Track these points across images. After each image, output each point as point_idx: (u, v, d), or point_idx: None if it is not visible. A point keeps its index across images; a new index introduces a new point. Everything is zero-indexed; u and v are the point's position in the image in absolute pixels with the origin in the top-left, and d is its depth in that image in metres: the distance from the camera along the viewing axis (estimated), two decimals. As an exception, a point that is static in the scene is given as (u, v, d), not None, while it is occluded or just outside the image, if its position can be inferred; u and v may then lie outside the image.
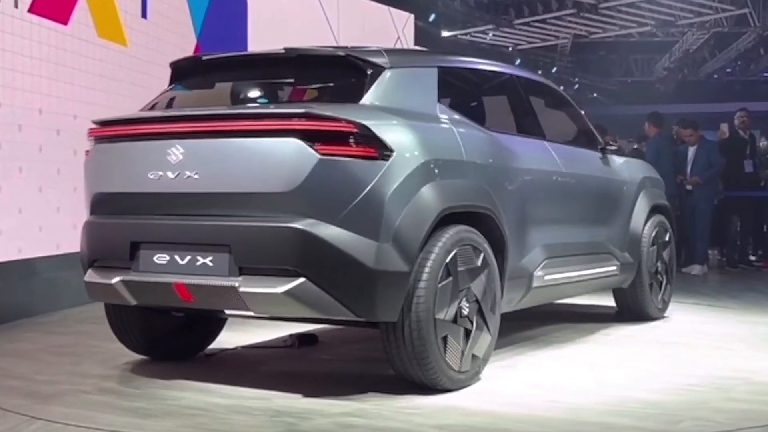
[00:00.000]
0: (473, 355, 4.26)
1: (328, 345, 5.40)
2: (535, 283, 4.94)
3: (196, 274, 4.00)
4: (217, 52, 4.81)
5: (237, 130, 3.98)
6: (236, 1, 9.03)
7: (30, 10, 6.32)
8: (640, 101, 21.88)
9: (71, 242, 6.37)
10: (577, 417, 3.79)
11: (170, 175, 4.06)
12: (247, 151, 3.93)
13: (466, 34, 18.25)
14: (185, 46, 8.15)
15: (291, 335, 5.37)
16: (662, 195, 6.71)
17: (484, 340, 4.34)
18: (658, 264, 6.45)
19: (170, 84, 4.82)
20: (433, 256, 4.04)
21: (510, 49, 19.86)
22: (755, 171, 11.03)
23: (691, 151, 10.42)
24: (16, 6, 6.18)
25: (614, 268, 5.91)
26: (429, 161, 4.10)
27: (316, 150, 3.81)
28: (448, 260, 4.10)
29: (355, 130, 3.86)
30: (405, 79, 4.41)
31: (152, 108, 4.65)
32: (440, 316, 4.06)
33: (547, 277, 5.05)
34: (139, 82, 7.46)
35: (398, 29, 11.98)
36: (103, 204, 4.39)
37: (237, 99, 4.61)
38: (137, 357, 4.83)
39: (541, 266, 4.99)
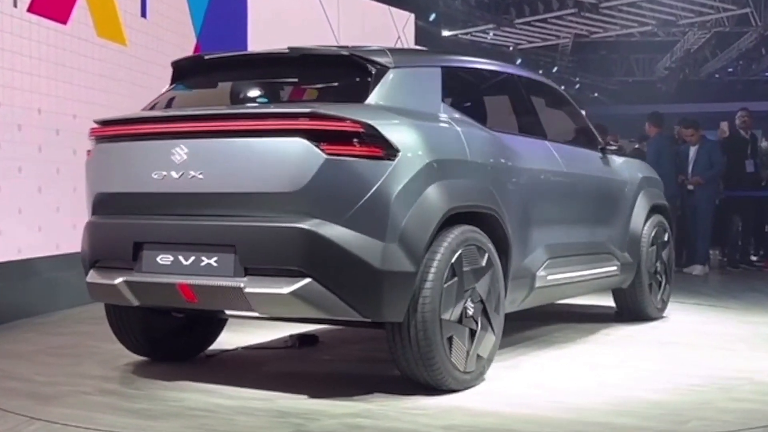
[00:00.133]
0: (478, 356, 4.26)
1: (329, 345, 5.38)
2: (537, 284, 4.94)
3: (201, 275, 3.98)
4: (219, 51, 4.78)
5: (242, 130, 3.96)
6: (236, 1, 9.01)
7: (29, 10, 6.30)
8: (641, 101, 21.87)
9: (71, 242, 6.38)
10: (582, 417, 3.79)
11: (174, 175, 4.04)
12: (253, 151, 3.91)
13: (466, 34, 18.25)
14: (185, 45, 8.13)
15: (291, 336, 5.36)
16: (661, 195, 6.72)
17: (489, 341, 4.34)
18: (658, 264, 6.45)
19: (171, 83, 4.80)
20: (438, 256, 4.03)
21: (511, 48, 19.86)
22: (756, 171, 11.00)
23: (693, 150, 10.40)
24: (15, 5, 6.16)
25: (615, 268, 5.91)
26: (434, 161, 4.10)
27: (322, 150, 3.80)
28: (453, 260, 4.09)
29: (361, 130, 3.85)
30: (409, 79, 4.40)
31: (153, 108, 4.63)
32: (446, 316, 4.05)
33: (549, 278, 5.05)
34: (139, 82, 7.45)
35: (398, 29, 11.96)
36: (105, 204, 4.37)
37: (240, 99, 4.59)
38: (137, 358, 4.81)
39: (543, 266, 4.99)
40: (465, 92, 5.01)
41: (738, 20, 17.23)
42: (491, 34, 18.59)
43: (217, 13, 8.64)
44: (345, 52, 4.31)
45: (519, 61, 19.35)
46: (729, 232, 11.25)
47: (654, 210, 6.45)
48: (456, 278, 4.11)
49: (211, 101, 4.58)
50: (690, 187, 10.34)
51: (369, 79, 4.22)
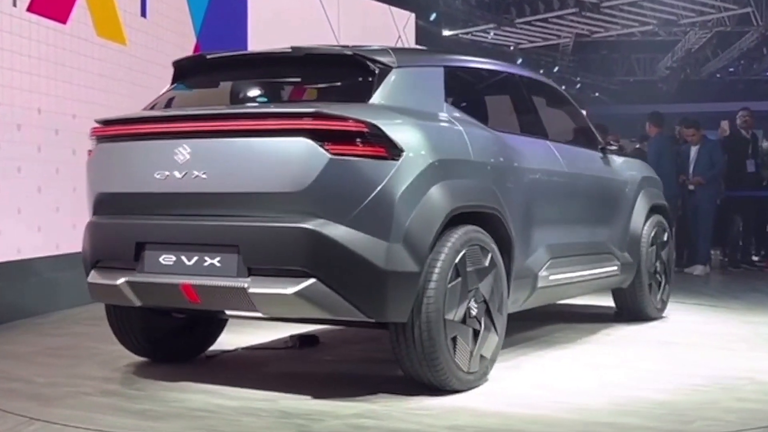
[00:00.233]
0: (481, 356, 4.25)
1: (329, 346, 5.37)
2: (540, 284, 4.94)
3: (204, 275, 3.96)
4: (220, 51, 4.75)
5: (246, 130, 3.95)
6: (236, 0, 9.00)
7: (29, 9, 6.29)
8: (642, 101, 21.85)
9: (70, 242, 6.37)
10: (586, 417, 3.78)
11: (177, 174, 4.02)
12: (256, 151, 3.90)
13: (467, 33, 18.23)
14: (185, 45, 8.13)
15: (291, 336, 5.34)
16: (661, 195, 6.72)
17: (492, 341, 4.33)
18: (657, 264, 6.45)
19: (172, 83, 4.78)
20: (442, 256, 4.02)
21: (512, 48, 19.84)
22: (757, 171, 10.98)
23: (694, 150, 10.38)
24: (14, 5, 6.16)
25: (615, 268, 5.91)
26: (438, 161, 4.09)
27: (326, 150, 3.78)
28: (457, 260, 4.08)
29: (365, 130, 3.84)
30: (412, 79, 4.39)
31: (154, 107, 4.62)
32: (450, 316, 4.04)
33: (551, 278, 5.04)
34: (139, 82, 7.44)
35: (399, 28, 11.94)
36: (106, 204, 4.35)
37: (242, 98, 4.57)
38: (137, 359, 4.80)
39: (545, 266, 4.98)
40: (467, 92, 5.00)
41: (739, 20, 17.20)
42: (492, 33, 18.57)
43: (217, 12, 8.63)
44: (348, 52, 4.29)
45: (520, 60, 19.34)
46: (730, 232, 11.23)
47: (654, 210, 6.45)
48: (460, 278, 4.11)
49: (213, 101, 4.56)
50: (691, 187, 10.32)
51: (372, 79, 4.20)
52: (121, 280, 4.15)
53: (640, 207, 6.28)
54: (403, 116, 4.09)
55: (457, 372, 4.09)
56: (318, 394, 4.04)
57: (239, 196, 3.93)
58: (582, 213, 5.59)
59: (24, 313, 6.21)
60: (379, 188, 3.84)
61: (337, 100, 4.23)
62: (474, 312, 4.19)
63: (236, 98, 4.57)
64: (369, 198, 3.82)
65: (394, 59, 4.29)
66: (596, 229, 5.78)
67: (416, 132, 4.06)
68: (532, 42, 19.63)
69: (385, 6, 11.71)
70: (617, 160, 6.23)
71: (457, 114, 4.51)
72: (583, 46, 20.92)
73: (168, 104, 4.64)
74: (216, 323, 5.04)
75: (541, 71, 18.27)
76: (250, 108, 4.35)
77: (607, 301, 6.69)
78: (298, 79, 4.54)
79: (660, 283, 6.52)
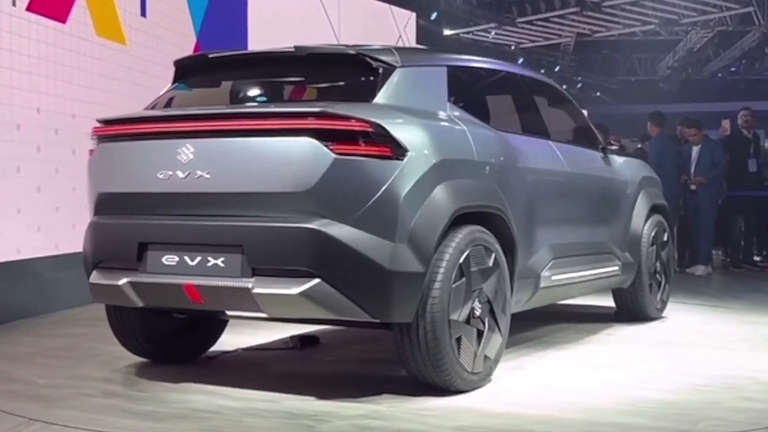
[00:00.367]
0: (485, 356, 4.25)
1: (330, 346, 5.36)
2: (542, 284, 4.94)
3: (207, 275, 3.94)
4: (222, 50, 4.73)
5: (250, 129, 3.93)
6: (236, 0, 8.98)
7: (28, 9, 6.28)
8: (643, 100, 21.83)
9: (70, 242, 6.36)
10: (593, 418, 3.78)
11: (180, 174, 4.00)
12: (260, 151, 3.89)
13: (468, 33, 18.21)
14: (185, 44, 8.11)
15: (292, 337, 5.33)
16: (660, 195, 6.72)
17: (496, 341, 4.33)
18: (657, 264, 6.45)
19: (173, 83, 4.76)
20: (447, 256, 4.01)
21: (513, 47, 19.82)
22: (759, 171, 10.95)
23: (695, 150, 10.36)
24: (14, 4, 6.14)
25: (616, 268, 5.90)
26: (442, 161, 4.08)
27: (331, 149, 3.77)
28: (461, 261, 4.08)
29: (370, 130, 3.83)
30: (415, 78, 4.38)
31: (155, 107, 4.60)
32: (454, 317, 4.04)
33: (553, 278, 5.04)
34: (139, 81, 7.42)
35: (400, 28, 11.92)
36: (108, 204, 4.33)
37: (245, 98, 4.56)
38: (137, 359, 4.78)
39: (548, 267, 4.98)
40: (470, 91, 4.99)
41: (741, 19, 17.18)
42: (493, 33, 18.54)
43: (217, 12, 8.62)
44: (351, 51, 4.28)
45: (521, 60, 19.32)
46: (732, 233, 11.20)
47: (654, 210, 6.45)
48: (464, 278, 4.10)
49: (215, 101, 4.54)
50: (693, 187, 10.30)
51: (376, 79, 4.19)
52: (123, 281, 4.13)
53: (641, 207, 6.28)
54: (408, 116, 4.08)
55: (461, 372, 4.08)
56: (322, 395, 4.03)
57: (243, 196, 3.92)
58: (583, 213, 5.59)
59: (23, 314, 6.20)
60: (384, 188, 3.83)
61: (340, 99, 4.21)
62: (478, 312, 4.19)
63: (239, 98, 4.55)
64: (374, 198, 3.81)
65: (398, 59, 4.28)
66: (597, 229, 5.78)
67: (420, 132, 4.05)
68: (533, 41, 19.61)
69: (386, 5, 11.69)
70: (618, 160, 6.23)
71: (460, 114, 4.50)
72: (585, 45, 20.90)
73: (169, 104, 4.62)
74: (217, 324, 5.02)
75: (543, 71, 18.26)
76: (255, 107, 4.33)
77: (607, 302, 6.68)
78: (302, 79, 4.53)
79: (660, 283, 6.52)
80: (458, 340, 4.07)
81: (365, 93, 4.16)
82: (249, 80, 4.60)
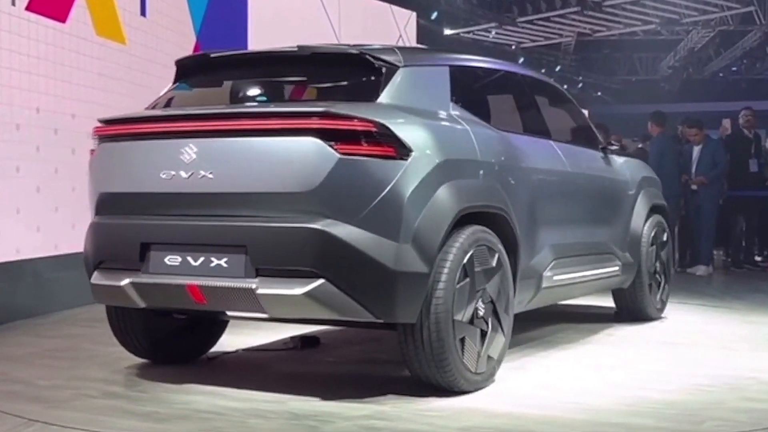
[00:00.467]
0: (489, 357, 4.24)
1: (330, 347, 5.34)
2: (544, 284, 4.93)
3: (211, 276, 3.93)
4: (224, 49, 4.70)
5: (254, 129, 3.92)
6: (236, -1, 8.98)
7: (28, 8, 6.26)
8: (644, 100, 21.82)
9: (70, 242, 6.34)
10: (596, 418, 3.77)
11: (183, 174, 3.98)
12: (264, 151, 3.87)
13: (468, 33, 18.20)
14: (185, 44, 8.09)
15: (292, 337, 5.31)
16: (660, 195, 6.72)
17: (499, 342, 4.32)
18: (657, 264, 6.44)
19: (174, 82, 4.74)
20: (451, 257, 4.00)
21: (513, 47, 19.81)
22: (760, 170, 10.94)
23: (696, 150, 10.34)
24: (13, 4, 6.12)
25: (617, 268, 5.90)
26: (446, 161, 4.07)
27: (335, 149, 3.76)
28: (465, 261, 4.07)
29: (375, 130, 3.82)
30: (418, 78, 4.37)
31: (156, 107, 4.58)
32: (458, 317, 4.03)
33: (555, 278, 5.03)
34: (138, 81, 7.41)
35: (400, 27, 11.90)
36: (110, 204, 4.31)
37: (248, 98, 4.54)
38: (137, 360, 4.76)
39: (550, 267, 4.98)
40: (472, 91, 4.98)
41: (742, 18, 17.17)
42: (493, 32, 18.53)
43: (217, 11, 8.60)
44: (354, 51, 4.26)
45: (521, 60, 19.31)
46: (733, 233, 11.19)
47: (653, 210, 6.45)
48: (468, 279, 4.09)
49: (217, 101, 4.52)
50: (694, 187, 10.28)
51: (379, 78, 4.18)
52: (125, 281, 4.11)
53: (641, 207, 6.28)
54: (411, 116, 4.07)
55: (465, 373, 4.07)
56: (325, 396, 4.02)
57: (247, 196, 3.90)
58: (585, 213, 5.58)
59: (22, 314, 6.18)
60: (388, 188, 3.82)
61: (343, 99, 4.20)
62: (481, 312, 4.18)
63: (241, 98, 4.53)
64: (378, 198, 3.80)
65: (401, 58, 4.27)
66: (598, 229, 5.77)
67: (424, 132, 4.04)
68: (533, 41, 19.60)
69: (386, 5, 11.67)
70: (617, 160, 6.23)
71: (463, 113, 4.49)
72: (585, 45, 20.89)
73: (170, 104, 4.60)
74: (217, 324, 5.00)
75: (543, 70, 18.24)
76: (259, 107, 4.31)
77: (607, 302, 6.67)
78: (305, 79, 4.51)
79: (660, 283, 6.52)
80: (462, 340, 4.06)
81: (368, 93, 4.15)
82: (252, 80, 4.58)
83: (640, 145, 11.96)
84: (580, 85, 23.34)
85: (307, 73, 4.47)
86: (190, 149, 3.98)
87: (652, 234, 6.32)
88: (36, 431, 3.51)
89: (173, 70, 4.77)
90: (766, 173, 11.14)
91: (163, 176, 4.03)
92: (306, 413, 3.75)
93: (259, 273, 3.84)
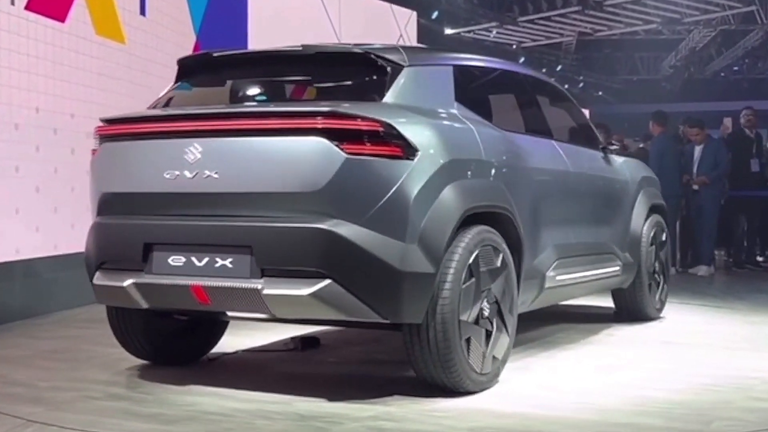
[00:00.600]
0: (493, 357, 4.23)
1: (331, 348, 5.32)
2: (547, 284, 4.92)
3: (215, 276, 3.90)
4: (226, 49, 4.67)
5: (259, 129, 3.89)
6: (236, -1, 8.96)
7: (27, 8, 6.24)
8: (645, 100, 21.83)
9: (69, 242, 6.33)
10: (605, 418, 3.76)
11: (188, 174, 3.96)
12: (270, 150, 3.85)
13: (469, 32, 18.18)
14: (185, 44, 8.07)
15: (293, 338, 5.29)
16: (659, 195, 6.72)
17: (503, 342, 4.31)
18: (656, 264, 6.44)
19: (176, 82, 4.72)
20: (457, 257, 3.99)
21: (514, 47, 19.79)
22: (761, 170, 10.92)
23: (698, 150, 10.31)
24: (12, 3, 6.11)
25: (617, 268, 5.89)
26: (451, 161, 4.06)
27: (342, 149, 3.74)
28: (470, 261, 4.05)
29: (381, 130, 3.80)
30: (423, 77, 4.36)
31: (157, 106, 4.56)
32: (464, 317, 4.02)
33: (558, 278, 5.03)
34: (138, 81, 7.39)
35: (400, 27, 11.88)
36: (112, 204, 4.28)
37: (251, 97, 4.52)
38: (137, 361, 4.73)
39: (553, 267, 4.97)
40: (476, 91, 4.96)
41: (743, 18, 17.15)
42: (494, 32, 18.52)
43: (217, 11, 8.58)
44: (359, 50, 4.24)
45: (522, 59, 19.29)
46: (734, 233, 11.17)
47: (653, 210, 6.45)
48: (473, 279, 4.08)
49: (219, 100, 4.49)
50: (695, 186, 10.26)
51: (384, 78, 4.16)
52: (127, 282, 4.08)
53: (640, 207, 6.27)
54: (417, 115, 4.06)
55: (470, 373, 4.06)
56: (331, 397, 4.00)
57: (252, 196, 3.88)
58: (586, 213, 5.58)
59: (21, 315, 6.16)
60: (394, 188, 3.80)
61: (348, 99, 4.18)
62: (486, 313, 4.17)
63: (245, 97, 4.51)
64: (384, 198, 3.79)
65: (405, 58, 4.26)
66: (599, 229, 5.77)
67: (430, 131, 4.03)
68: (534, 41, 19.58)
69: (387, 4, 11.66)
70: (617, 160, 6.24)
71: (467, 113, 4.48)
72: (586, 44, 20.87)
73: (172, 103, 4.57)
74: (218, 325, 4.98)
75: (544, 70, 18.23)
76: (264, 106, 4.29)
77: (607, 302, 6.66)
78: (309, 78, 4.49)
79: (659, 283, 6.52)
80: (467, 340, 4.05)
81: (373, 92, 4.14)
82: (255, 79, 4.55)
83: (641, 145, 11.94)
84: (581, 84, 23.32)
85: (312, 73, 4.45)
86: (194, 149, 3.95)
87: (652, 234, 6.32)
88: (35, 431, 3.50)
89: (173, 69, 4.75)
90: (767, 173, 11.12)
91: (167, 176, 4.01)
92: (312, 414, 3.73)
93: (264, 273, 3.82)
